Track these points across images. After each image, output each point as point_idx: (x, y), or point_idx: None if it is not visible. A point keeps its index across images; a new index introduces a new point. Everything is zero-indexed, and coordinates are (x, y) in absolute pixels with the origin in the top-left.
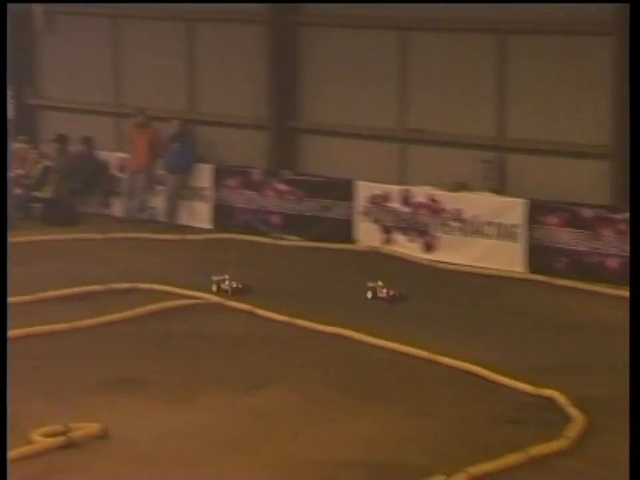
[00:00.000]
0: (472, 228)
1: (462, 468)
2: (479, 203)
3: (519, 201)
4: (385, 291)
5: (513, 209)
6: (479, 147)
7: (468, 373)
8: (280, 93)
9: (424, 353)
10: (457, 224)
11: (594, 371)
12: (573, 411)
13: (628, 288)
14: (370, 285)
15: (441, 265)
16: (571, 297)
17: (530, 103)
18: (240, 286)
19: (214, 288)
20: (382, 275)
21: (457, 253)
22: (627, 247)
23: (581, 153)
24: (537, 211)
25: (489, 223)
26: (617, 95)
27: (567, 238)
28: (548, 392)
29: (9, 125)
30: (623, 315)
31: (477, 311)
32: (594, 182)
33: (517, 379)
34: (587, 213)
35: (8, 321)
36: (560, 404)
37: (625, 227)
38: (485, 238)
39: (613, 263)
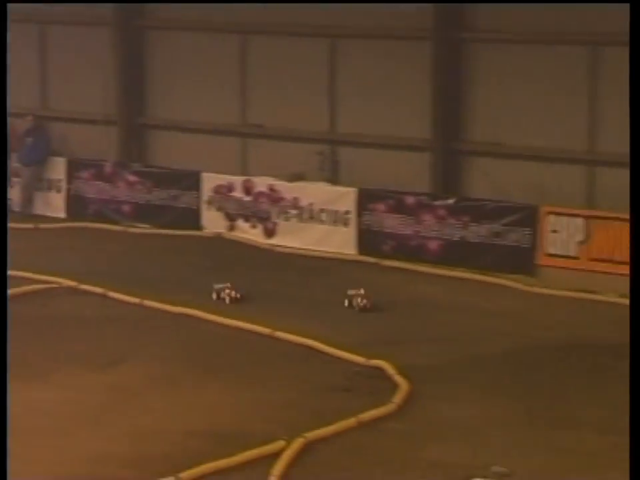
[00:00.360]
0: (308, 215)
1: (300, 434)
2: (314, 192)
3: (350, 189)
4: (359, 299)
5: (344, 197)
6: (313, 141)
7: (305, 347)
8: (129, 91)
9: (266, 330)
10: (294, 211)
11: (417, 342)
12: (399, 379)
13: (446, 267)
14: (350, 292)
15: (280, 249)
16: (396, 276)
17: (358, 101)
18: (238, 295)
19: (214, 296)
20: (226, 259)
21: (294, 238)
22: (447, 231)
23: (403, 145)
24: (366, 199)
25: (323, 210)
26: (435, 93)
27: (393, 223)
28: (377, 362)
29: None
30: (442, 292)
31: (313, 291)
32: (415, 172)
33: (349, 352)
34: (410, 200)
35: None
36: (388, 373)
37: (444, 213)
38: (320, 224)
39: (433, 245)
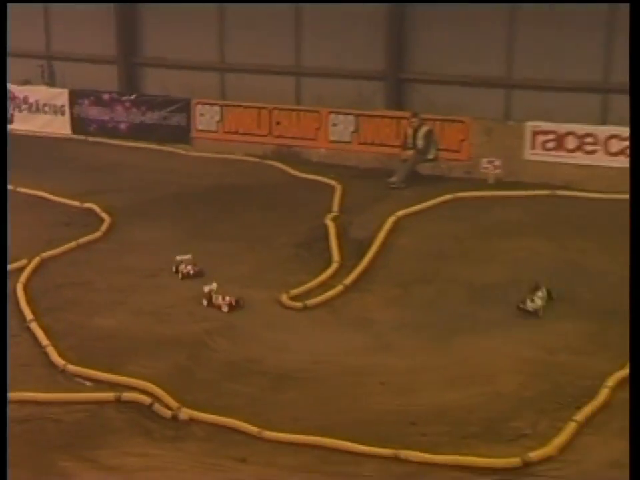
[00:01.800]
0: (35, 108)
1: (37, 254)
2: (38, 92)
3: (64, 90)
4: (184, 265)
5: (60, 96)
6: (35, 57)
7: (38, 197)
8: None
9: (10, 187)
10: (25, 106)
11: (115, 192)
12: (104, 215)
13: (132, 141)
14: (179, 258)
15: (17, 132)
16: (99, 148)
17: (68, 25)
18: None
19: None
20: None
21: (27, 124)
22: (131, 117)
23: (96, 60)
24: (75, 96)
25: (46, 105)
26: (117, 19)
27: (95, 112)
28: (89, 205)
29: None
30: (129, 158)
31: (44, 158)
32: (108, 78)
33: (70, 199)
34: (106, 96)
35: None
36: (96, 211)
37: (129, 104)
38: (44, 114)
39: (123, 126)
